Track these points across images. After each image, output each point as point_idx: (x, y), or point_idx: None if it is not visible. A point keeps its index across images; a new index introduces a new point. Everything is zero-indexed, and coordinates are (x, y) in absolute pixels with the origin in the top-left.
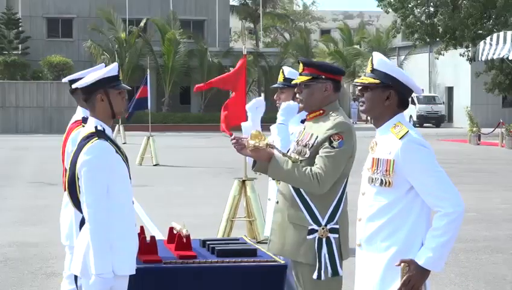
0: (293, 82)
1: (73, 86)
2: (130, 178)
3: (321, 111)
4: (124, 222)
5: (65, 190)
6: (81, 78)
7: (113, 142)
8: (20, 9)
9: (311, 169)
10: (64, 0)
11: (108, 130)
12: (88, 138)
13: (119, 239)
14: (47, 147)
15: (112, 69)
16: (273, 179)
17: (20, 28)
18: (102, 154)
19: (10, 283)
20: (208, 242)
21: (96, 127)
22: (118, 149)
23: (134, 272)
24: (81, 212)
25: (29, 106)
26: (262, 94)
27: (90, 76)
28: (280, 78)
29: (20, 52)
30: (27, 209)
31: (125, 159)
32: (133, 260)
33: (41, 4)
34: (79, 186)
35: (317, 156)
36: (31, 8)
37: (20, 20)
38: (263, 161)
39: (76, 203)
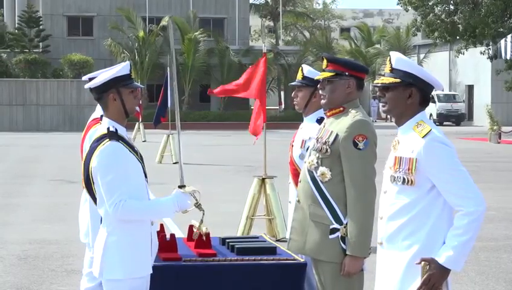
0: (316, 78)
1: (86, 86)
2: (146, 176)
3: (341, 108)
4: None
5: (83, 188)
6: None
7: (126, 143)
8: (41, 7)
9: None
10: None
11: (121, 130)
12: (100, 139)
13: None
14: (67, 144)
15: (123, 68)
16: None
17: (40, 27)
18: (113, 156)
19: (31, 280)
20: (228, 240)
21: (108, 128)
22: (132, 149)
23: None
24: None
25: (49, 104)
26: (282, 92)
27: (102, 76)
28: (299, 76)
29: (40, 50)
30: (47, 207)
31: (140, 159)
32: (150, 259)
33: (62, 2)
34: (95, 189)
35: (348, 163)
36: (52, 6)
37: (40, 19)
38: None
39: (95, 200)
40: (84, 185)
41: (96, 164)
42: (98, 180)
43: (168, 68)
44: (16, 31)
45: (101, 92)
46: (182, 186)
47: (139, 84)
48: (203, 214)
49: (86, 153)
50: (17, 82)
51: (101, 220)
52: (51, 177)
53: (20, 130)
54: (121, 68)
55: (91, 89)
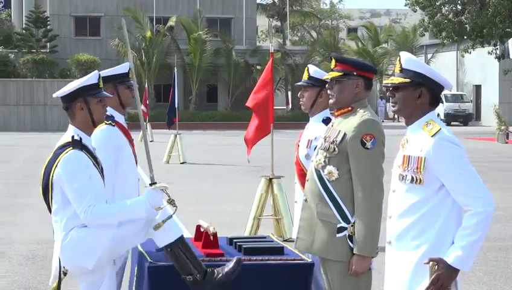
0: (325, 78)
1: (54, 95)
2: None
3: (349, 108)
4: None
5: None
6: (104, 77)
7: (90, 153)
8: (48, 7)
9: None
10: None
11: (86, 139)
12: (63, 147)
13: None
14: None
15: (91, 77)
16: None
17: (48, 27)
18: (77, 164)
19: (38, 280)
20: (235, 240)
21: (73, 137)
22: (95, 160)
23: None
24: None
25: (57, 104)
26: (289, 92)
27: (69, 85)
28: (305, 76)
29: (48, 50)
30: None
31: (101, 172)
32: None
33: (69, 3)
34: (52, 196)
35: (355, 162)
36: (59, 6)
37: (48, 19)
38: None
39: (51, 210)
40: (41, 191)
41: (61, 172)
42: (58, 188)
43: (175, 68)
44: (24, 31)
45: (69, 101)
46: (152, 184)
47: (106, 93)
48: (175, 210)
49: (48, 159)
50: (25, 82)
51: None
52: None
53: (27, 130)
54: (89, 77)
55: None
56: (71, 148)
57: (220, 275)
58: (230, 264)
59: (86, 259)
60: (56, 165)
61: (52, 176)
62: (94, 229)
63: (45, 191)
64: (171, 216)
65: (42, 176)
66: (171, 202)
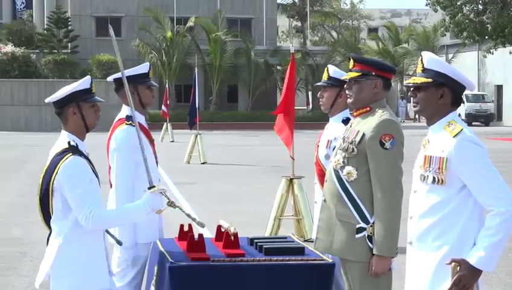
0: (343, 78)
1: (46, 100)
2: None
3: (368, 108)
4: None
5: (110, 187)
6: (127, 76)
7: (86, 159)
8: (69, 8)
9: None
10: (113, 0)
11: (81, 145)
12: (62, 153)
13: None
14: (95, 144)
15: (83, 82)
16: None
17: (69, 27)
18: (79, 170)
19: None
20: (256, 240)
21: (69, 143)
22: (92, 166)
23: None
24: (49, 228)
25: None
26: (310, 92)
27: (62, 90)
28: (324, 77)
29: (69, 50)
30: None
31: (96, 175)
32: (106, 274)
33: (90, 3)
34: (52, 204)
35: (374, 163)
36: (80, 7)
37: (69, 19)
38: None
39: (47, 219)
40: (39, 197)
41: (62, 178)
42: (58, 195)
43: (195, 69)
44: (45, 31)
45: (61, 106)
46: (151, 187)
47: (99, 98)
48: (180, 208)
49: (47, 166)
50: (46, 82)
51: (49, 235)
52: None
53: (49, 130)
54: (82, 82)
55: (122, 88)
56: (70, 154)
57: None
58: None
59: (64, 282)
60: (56, 173)
61: (53, 183)
62: (87, 249)
63: (43, 199)
64: (190, 215)
65: (41, 184)
66: (171, 204)
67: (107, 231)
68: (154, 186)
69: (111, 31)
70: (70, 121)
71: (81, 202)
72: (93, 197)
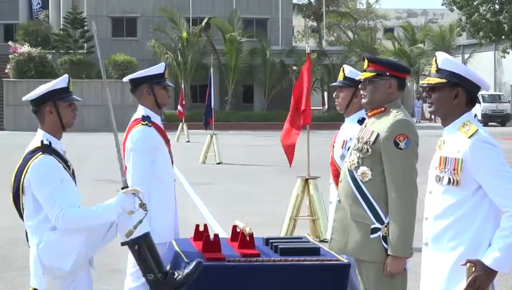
0: (358, 78)
1: (23, 98)
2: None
3: (382, 108)
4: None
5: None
6: (140, 77)
7: (60, 157)
8: (85, 9)
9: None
10: (129, 0)
11: (56, 143)
12: (33, 152)
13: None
14: (111, 144)
15: (60, 81)
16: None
17: (85, 28)
18: (47, 169)
19: None
20: (271, 240)
21: (42, 141)
22: (65, 164)
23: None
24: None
25: (94, 104)
26: (325, 93)
27: (39, 88)
28: (340, 77)
29: (85, 51)
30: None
31: (72, 175)
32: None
33: (106, 4)
34: (23, 201)
35: (389, 163)
36: (96, 7)
37: (85, 20)
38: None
39: (21, 215)
40: (12, 197)
41: (31, 177)
42: (29, 194)
43: (211, 69)
44: (61, 32)
45: (38, 105)
46: (124, 188)
47: (76, 97)
48: (146, 214)
49: (18, 166)
50: None
51: (26, 234)
52: (96, 178)
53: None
54: (59, 81)
55: (137, 88)
56: (41, 153)
57: (180, 276)
58: (191, 266)
59: (64, 260)
60: (26, 171)
61: (23, 181)
62: (66, 232)
63: (16, 197)
64: (141, 221)
65: (13, 182)
66: (142, 206)
67: None
68: (127, 187)
69: (93, 27)
70: (47, 120)
71: (51, 201)
72: (64, 197)
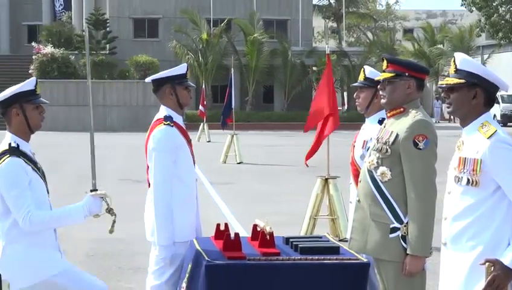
0: (377, 78)
1: None
2: (48, 192)
3: (401, 109)
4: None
5: (149, 186)
6: (162, 78)
7: (29, 159)
8: (107, 10)
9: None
10: (150, 1)
11: (24, 146)
12: (1, 155)
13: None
14: (133, 144)
15: (27, 83)
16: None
17: (107, 29)
18: (14, 171)
19: (99, 277)
20: (291, 239)
21: (9, 144)
22: (34, 165)
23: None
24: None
25: (116, 105)
26: (345, 93)
27: (6, 90)
28: (361, 77)
29: (107, 52)
30: (115, 206)
31: (42, 175)
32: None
33: (128, 5)
34: None
35: (408, 163)
36: (118, 9)
37: (107, 21)
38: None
39: None
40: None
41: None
42: (3, 196)
43: (231, 69)
44: (84, 33)
45: (5, 107)
46: (93, 190)
47: (43, 100)
48: (114, 218)
49: None
50: (85, 83)
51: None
52: (119, 177)
53: (87, 130)
54: (26, 83)
55: (160, 89)
56: (8, 156)
57: None
58: None
59: (22, 279)
60: None
61: None
62: (30, 248)
63: None
64: (115, 222)
65: None
66: (109, 211)
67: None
68: (96, 190)
69: (86, 30)
70: (14, 122)
71: (18, 203)
72: (31, 199)
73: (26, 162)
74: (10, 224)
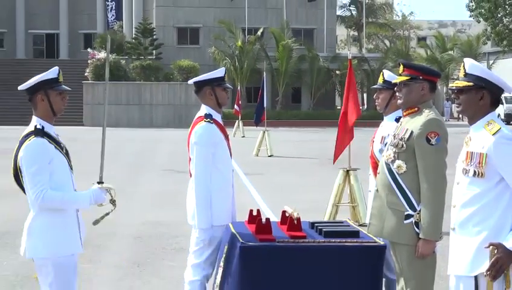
0: (394, 81)
1: (19, 88)
2: (71, 168)
3: (416, 108)
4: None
5: (190, 176)
6: (203, 80)
7: (52, 139)
8: (154, 20)
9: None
10: (192, 12)
11: (48, 128)
12: (27, 136)
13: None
14: (177, 139)
15: (49, 72)
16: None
17: (154, 36)
18: (37, 150)
19: (145, 256)
20: (316, 224)
21: (35, 126)
22: (58, 145)
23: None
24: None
25: (161, 104)
26: (365, 94)
27: (32, 79)
28: (380, 80)
29: (154, 57)
30: (159, 193)
31: (65, 154)
32: (78, 239)
33: (172, 16)
34: (22, 178)
35: (421, 157)
36: (164, 19)
37: (154, 30)
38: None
39: (23, 190)
40: (13, 176)
41: (22, 157)
42: (24, 172)
43: (264, 73)
44: (133, 40)
45: (31, 93)
46: (100, 183)
47: (65, 87)
48: (112, 210)
49: (16, 148)
50: (134, 85)
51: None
52: (163, 168)
53: (136, 126)
54: (49, 72)
55: (201, 90)
56: (33, 136)
57: None
58: None
59: (38, 249)
60: (20, 151)
61: (18, 161)
62: (54, 223)
63: (16, 176)
64: (108, 214)
65: (12, 163)
66: (112, 202)
67: (106, 214)
68: (102, 183)
69: (108, 40)
70: (39, 107)
71: (34, 180)
72: (47, 178)
73: (49, 142)
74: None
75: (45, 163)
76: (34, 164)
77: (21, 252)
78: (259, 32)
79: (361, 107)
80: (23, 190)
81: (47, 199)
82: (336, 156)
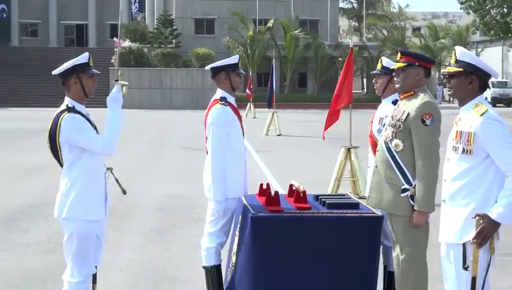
0: (392, 67)
1: (53, 72)
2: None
3: (412, 92)
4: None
5: (207, 153)
6: (219, 66)
7: (82, 115)
8: (174, 11)
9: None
10: (208, 5)
11: (79, 107)
12: (61, 113)
13: None
14: (194, 120)
15: (81, 58)
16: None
17: (173, 27)
18: (75, 121)
19: (165, 225)
20: (320, 197)
21: (67, 105)
22: (89, 121)
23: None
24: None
25: (180, 88)
26: (364, 79)
27: (65, 64)
28: (378, 66)
29: (173, 45)
30: (178, 169)
31: (95, 128)
32: (103, 208)
33: (190, 8)
34: (60, 151)
35: (417, 136)
36: (183, 10)
37: (174, 20)
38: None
39: (59, 161)
40: (51, 152)
41: (65, 129)
42: (66, 146)
43: (273, 60)
44: (155, 30)
45: (65, 77)
46: (116, 80)
47: (95, 70)
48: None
49: (51, 124)
50: (155, 71)
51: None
52: (181, 145)
53: (157, 108)
54: (80, 57)
55: (218, 74)
56: (67, 112)
57: None
58: None
59: (66, 210)
60: (59, 129)
61: (58, 136)
62: (85, 189)
63: (54, 151)
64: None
65: (48, 141)
66: (121, 84)
67: (117, 181)
68: (117, 80)
69: (119, 39)
70: (72, 89)
71: (91, 139)
72: (94, 134)
73: (80, 116)
74: (78, 168)
75: (88, 126)
76: (81, 130)
77: (54, 213)
78: (270, 23)
79: (360, 91)
80: (59, 162)
81: (109, 142)
82: (324, 130)
